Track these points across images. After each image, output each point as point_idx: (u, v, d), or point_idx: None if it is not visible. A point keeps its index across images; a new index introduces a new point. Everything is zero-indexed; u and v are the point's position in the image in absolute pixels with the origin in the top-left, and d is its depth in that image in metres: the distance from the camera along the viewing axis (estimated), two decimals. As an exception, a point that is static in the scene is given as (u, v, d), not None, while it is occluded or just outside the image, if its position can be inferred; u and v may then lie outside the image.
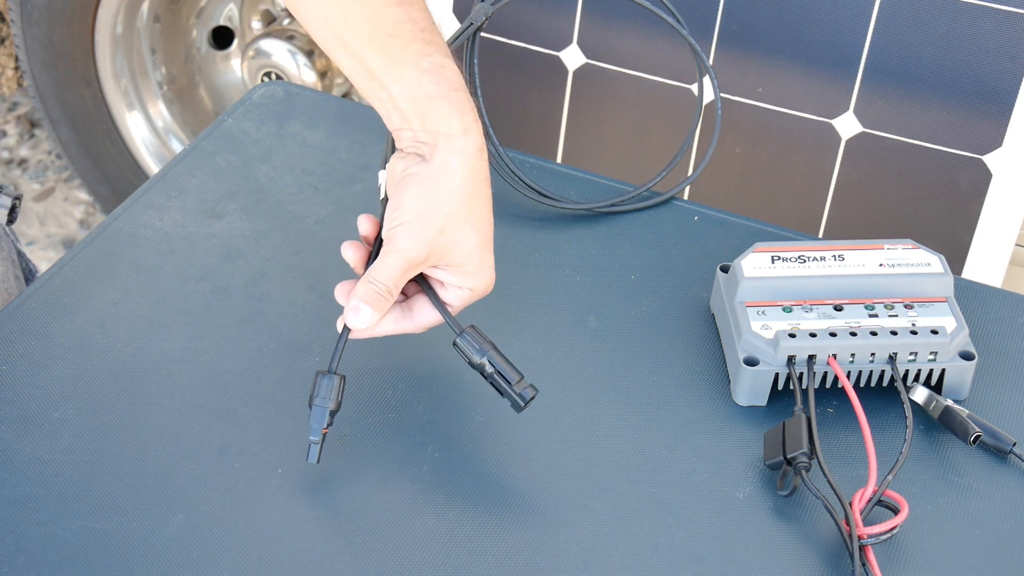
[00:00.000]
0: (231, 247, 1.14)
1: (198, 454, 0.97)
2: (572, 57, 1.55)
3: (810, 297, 1.04)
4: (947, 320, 1.03)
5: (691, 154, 1.55)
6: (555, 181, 1.23)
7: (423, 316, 0.99)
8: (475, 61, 1.20)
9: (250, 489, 0.95)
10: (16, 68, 2.67)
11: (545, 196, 1.20)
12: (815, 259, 1.06)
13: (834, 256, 1.06)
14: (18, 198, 1.12)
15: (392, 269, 0.95)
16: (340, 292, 0.97)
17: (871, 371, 1.01)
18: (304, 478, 0.96)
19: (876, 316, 1.02)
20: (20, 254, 1.20)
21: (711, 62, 1.50)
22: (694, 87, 1.51)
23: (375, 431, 1.00)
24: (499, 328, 1.08)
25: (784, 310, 1.03)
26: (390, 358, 1.05)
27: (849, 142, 1.47)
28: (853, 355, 1.01)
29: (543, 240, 1.17)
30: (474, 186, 0.95)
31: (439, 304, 0.98)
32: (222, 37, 2.35)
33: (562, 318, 1.09)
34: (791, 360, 1.01)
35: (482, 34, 1.58)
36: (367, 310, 0.95)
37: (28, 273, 1.22)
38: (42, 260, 2.51)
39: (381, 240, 0.97)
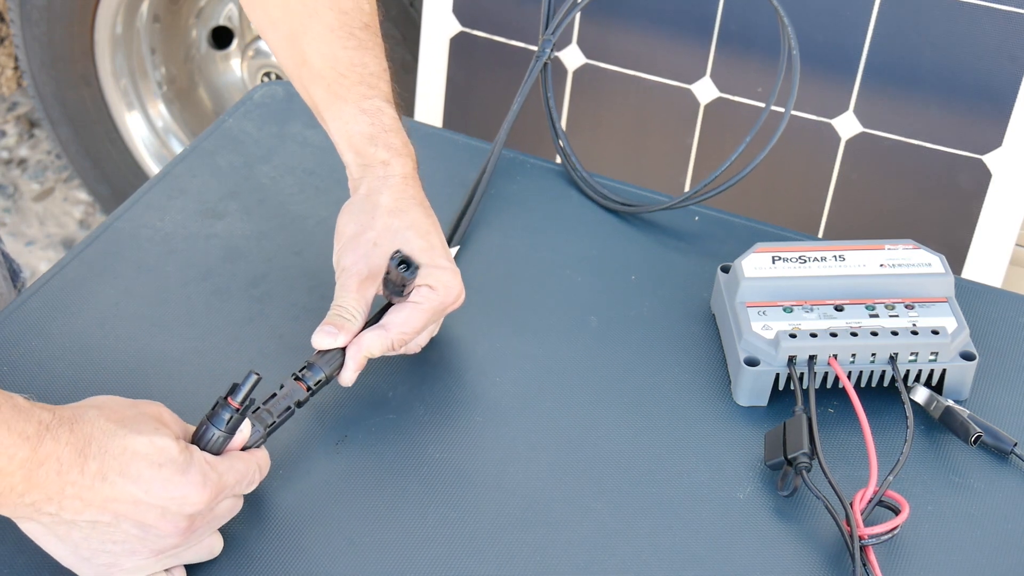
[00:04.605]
0: (232, 247, 1.14)
1: (199, 454, 0.97)
2: (572, 57, 1.55)
3: (811, 297, 1.04)
4: (948, 320, 1.03)
5: (690, 157, 1.55)
6: (555, 181, 1.23)
7: (394, 319, 0.99)
8: (550, 94, 1.23)
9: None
10: (16, 68, 2.67)
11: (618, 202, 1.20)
12: (815, 259, 1.06)
13: (835, 256, 1.06)
14: None
15: (345, 291, 0.99)
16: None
17: (872, 371, 1.01)
18: (304, 478, 0.96)
19: (877, 316, 1.02)
20: (5, 255, 1.20)
21: (711, 62, 1.50)
22: (694, 87, 1.51)
23: (375, 431, 1.00)
24: (500, 328, 1.08)
25: (785, 310, 1.03)
26: (390, 358, 1.05)
27: (849, 142, 1.47)
28: (854, 355, 1.01)
29: (543, 240, 1.17)
30: (401, 204, 1.02)
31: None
32: (222, 37, 2.35)
33: (562, 318, 1.09)
34: (792, 360, 1.01)
35: (480, 33, 1.58)
36: (330, 329, 0.97)
37: (13, 275, 1.22)
38: (42, 260, 2.51)
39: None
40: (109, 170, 2.39)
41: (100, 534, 0.83)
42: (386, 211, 1.02)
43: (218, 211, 1.18)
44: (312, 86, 1.07)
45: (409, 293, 0.98)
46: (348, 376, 0.98)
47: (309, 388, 0.95)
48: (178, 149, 2.36)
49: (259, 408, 0.93)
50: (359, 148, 1.04)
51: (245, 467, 0.89)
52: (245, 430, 0.90)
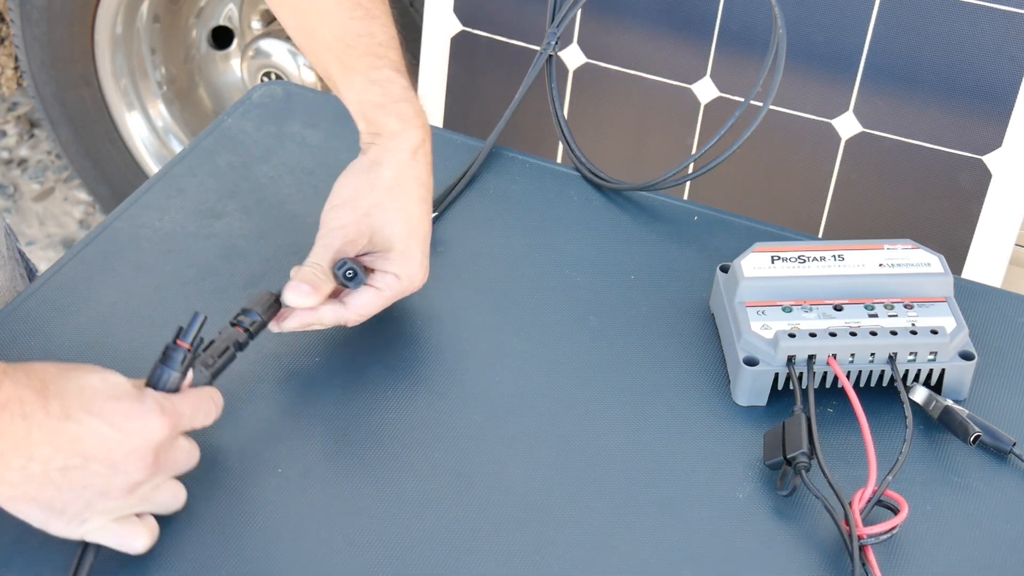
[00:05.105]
0: (231, 247, 1.14)
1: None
2: (572, 57, 1.55)
3: (810, 297, 1.04)
4: (947, 320, 1.03)
5: (691, 154, 1.55)
6: (555, 181, 1.23)
7: (355, 301, 1.02)
8: (553, 85, 1.25)
9: (250, 489, 0.95)
10: (16, 68, 2.67)
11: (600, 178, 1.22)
12: (815, 259, 1.06)
13: (834, 256, 1.06)
14: None
15: (326, 251, 1.01)
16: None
17: (871, 371, 1.01)
18: (304, 478, 0.96)
19: (876, 316, 1.02)
20: (21, 253, 1.21)
21: (711, 62, 1.50)
22: (694, 87, 1.51)
23: (375, 431, 1.00)
24: (500, 328, 1.08)
25: (784, 310, 1.03)
26: (390, 358, 1.05)
27: (849, 142, 1.47)
28: (853, 355, 1.01)
29: (543, 240, 1.17)
30: (402, 181, 1.03)
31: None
32: (222, 37, 2.35)
33: (562, 318, 1.09)
34: (791, 360, 1.01)
35: (481, 33, 1.58)
36: (306, 288, 0.99)
37: (30, 273, 1.22)
38: (42, 260, 2.51)
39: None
40: (109, 170, 2.39)
41: (71, 481, 0.83)
42: (385, 186, 1.03)
43: (217, 211, 1.18)
44: (324, 59, 1.07)
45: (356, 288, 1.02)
46: (289, 326, 1.00)
47: (247, 330, 0.97)
48: (178, 149, 2.36)
49: (199, 355, 0.94)
50: (370, 117, 1.05)
51: (198, 398, 0.90)
52: (188, 375, 0.91)
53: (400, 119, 1.04)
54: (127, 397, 0.85)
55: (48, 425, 0.81)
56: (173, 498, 0.90)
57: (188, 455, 0.90)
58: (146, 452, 0.85)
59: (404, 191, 1.03)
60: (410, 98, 1.06)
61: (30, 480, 0.82)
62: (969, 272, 1.46)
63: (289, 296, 0.99)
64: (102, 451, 0.83)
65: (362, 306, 1.02)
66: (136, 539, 0.88)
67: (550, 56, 1.22)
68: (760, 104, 1.13)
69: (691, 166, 1.17)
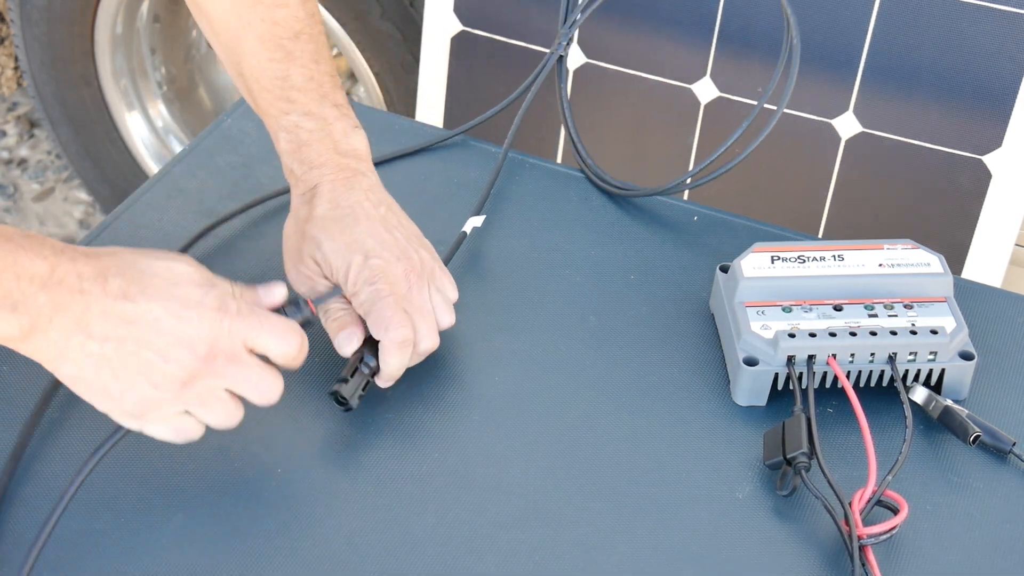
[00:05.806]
0: (230, 247, 1.14)
1: (198, 454, 0.97)
2: (572, 57, 1.55)
3: (810, 297, 1.04)
4: (947, 320, 1.03)
5: (690, 157, 1.55)
6: (555, 181, 1.23)
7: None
8: (563, 86, 1.24)
9: (250, 489, 0.95)
10: (16, 68, 2.67)
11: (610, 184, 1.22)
12: (815, 259, 1.06)
13: (834, 256, 1.06)
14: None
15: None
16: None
17: (871, 371, 1.01)
18: (304, 478, 0.96)
19: (876, 316, 1.02)
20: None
21: (711, 62, 1.50)
22: (694, 87, 1.51)
23: (373, 431, 1.00)
24: (500, 328, 1.08)
25: (784, 310, 1.03)
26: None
27: (849, 142, 1.47)
28: (853, 355, 1.01)
29: (543, 240, 1.17)
30: (297, 225, 1.02)
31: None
32: (222, 37, 2.35)
33: (562, 318, 1.09)
34: (791, 360, 1.01)
35: (481, 33, 1.58)
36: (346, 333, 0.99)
37: None
38: (42, 260, 2.50)
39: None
40: (109, 170, 2.39)
41: (125, 366, 0.83)
42: (294, 255, 1.02)
43: (217, 211, 1.18)
44: (249, 100, 1.07)
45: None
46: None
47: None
48: (178, 149, 2.36)
49: (313, 322, 0.94)
50: (284, 165, 1.05)
51: (281, 322, 0.87)
52: (280, 294, 0.91)
53: (302, 167, 1.03)
54: (189, 284, 0.84)
55: (105, 303, 0.81)
56: (226, 415, 0.87)
57: (258, 377, 0.86)
58: (197, 344, 0.83)
59: (294, 251, 1.02)
60: (314, 141, 1.03)
61: (88, 358, 0.82)
62: (969, 272, 1.46)
63: (343, 347, 0.98)
64: (154, 336, 0.82)
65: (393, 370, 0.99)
66: (191, 433, 0.88)
67: (560, 57, 1.22)
68: (773, 107, 1.12)
69: (693, 173, 1.17)
